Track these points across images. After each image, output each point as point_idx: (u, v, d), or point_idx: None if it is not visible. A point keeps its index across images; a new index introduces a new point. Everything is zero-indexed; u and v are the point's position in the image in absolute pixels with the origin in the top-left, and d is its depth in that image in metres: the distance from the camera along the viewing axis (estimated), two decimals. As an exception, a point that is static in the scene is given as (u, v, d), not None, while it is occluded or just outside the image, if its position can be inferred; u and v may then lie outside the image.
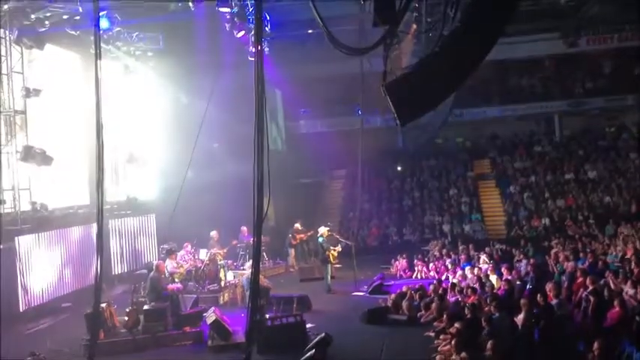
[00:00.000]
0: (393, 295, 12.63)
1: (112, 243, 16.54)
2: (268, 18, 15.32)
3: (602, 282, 10.87)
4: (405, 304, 11.90)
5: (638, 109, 24.22)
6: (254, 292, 7.25)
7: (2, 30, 13.33)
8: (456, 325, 9.07)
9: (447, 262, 15.85)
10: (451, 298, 11.75)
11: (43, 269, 13.81)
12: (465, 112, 25.55)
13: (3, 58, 13.34)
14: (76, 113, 15.71)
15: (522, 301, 9.83)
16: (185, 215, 16.14)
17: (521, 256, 15.27)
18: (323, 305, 13.27)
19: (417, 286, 12.91)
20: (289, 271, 17.96)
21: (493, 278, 12.91)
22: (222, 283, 14.34)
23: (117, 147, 17.36)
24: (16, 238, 12.92)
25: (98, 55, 7.70)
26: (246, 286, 12.26)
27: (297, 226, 18.56)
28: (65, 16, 13.75)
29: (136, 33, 16.45)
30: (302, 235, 18.36)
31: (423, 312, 11.49)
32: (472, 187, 24.86)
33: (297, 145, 25.30)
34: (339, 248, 15.50)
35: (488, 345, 7.76)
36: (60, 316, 13.07)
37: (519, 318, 9.31)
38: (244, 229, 16.45)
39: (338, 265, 16.17)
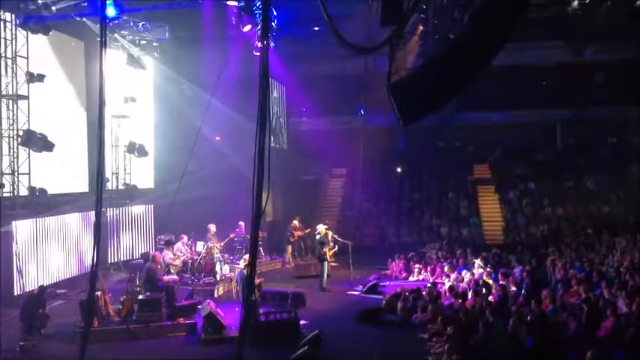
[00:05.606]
0: (387, 296, 12.64)
1: (109, 231, 16.54)
2: (275, 13, 15.31)
3: (597, 291, 10.89)
4: (399, 305, 11.90)
5: (640, 121, 24.19)
6: (249, 287, 7.23)
7: (8, 14, 13.32)
8: (450, 328, 9.08)
9: (443, 266, 15.84)
10: (446, 301, 11.76)
11: (39, 254, 13.81)
12: (468, 116, 25.50)
13: (8, 42, 13.34)
14: (79, 100, 15.68)
15: (516, 307, 9.84)
16: (184, 207, 16.10)
17: (518, 262, 15.27)
18: (317, 303, 13.27)
19: (412, 288, 12.92)
20: (285, 267, 17.96)
21: (488, 283, 12.91)
22: (218, 277, 14.35)
23: (118, 135, 17.36)
24: (13, 223, 12.92)
25: (103, 43, 7.68)
26: (238, 279, 12.22)
27: (296, 223, 18.53)
28: (72, 3, 13.74)
29: (142, 23, 16.43)
30: (300, 233, 18.36)
31: (417, 314, 11.50)
32: (471, 192, 24.85)
33: (299, 141, 25.29)
34: (336, 247, 15.48)
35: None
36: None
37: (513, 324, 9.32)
38: (242, 224, 16.42)
39: (334, 264, 16.17)
